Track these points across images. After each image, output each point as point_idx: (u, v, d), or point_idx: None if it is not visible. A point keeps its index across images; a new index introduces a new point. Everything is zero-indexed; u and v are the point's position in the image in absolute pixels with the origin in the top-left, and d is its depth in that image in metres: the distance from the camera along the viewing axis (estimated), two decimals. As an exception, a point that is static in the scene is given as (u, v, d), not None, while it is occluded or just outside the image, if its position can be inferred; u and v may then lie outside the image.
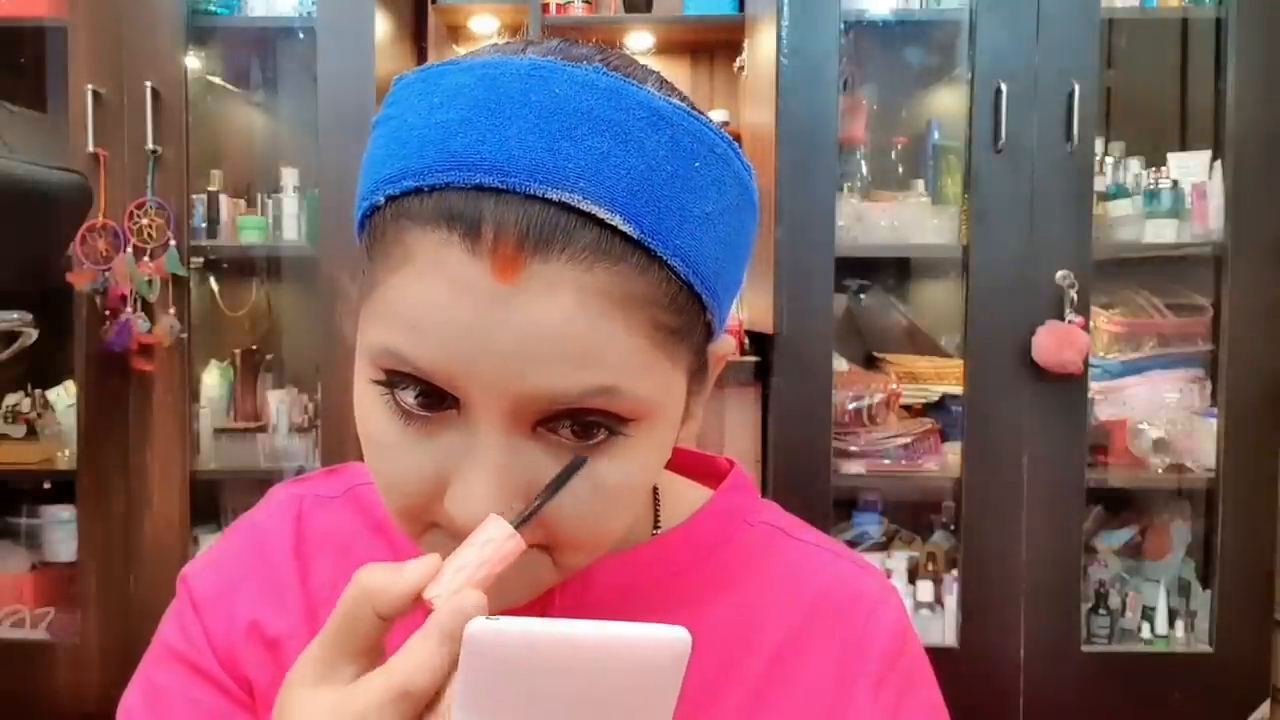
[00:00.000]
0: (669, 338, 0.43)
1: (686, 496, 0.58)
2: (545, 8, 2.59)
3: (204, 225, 2.23)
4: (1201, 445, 2.08)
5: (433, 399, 0.42)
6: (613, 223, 0.40)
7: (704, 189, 0.42)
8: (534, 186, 0.39)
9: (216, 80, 2.41)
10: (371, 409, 0.44)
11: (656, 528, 0.56)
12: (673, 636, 0.36)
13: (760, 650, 0.54)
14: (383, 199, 0.43)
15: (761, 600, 0.55)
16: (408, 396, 0.42)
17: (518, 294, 0.39)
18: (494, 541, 0.40)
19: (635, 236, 0.40)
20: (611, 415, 0.42)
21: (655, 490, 0.57)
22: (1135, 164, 2.17)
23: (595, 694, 0.36)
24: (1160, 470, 2.10)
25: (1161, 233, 2.08)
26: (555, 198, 0.39)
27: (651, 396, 0.43)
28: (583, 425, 0.42)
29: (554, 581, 0.47)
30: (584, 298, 0.39)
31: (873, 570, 0.58)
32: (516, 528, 0.40)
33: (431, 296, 0.40)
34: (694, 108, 0.45)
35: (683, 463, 0.61)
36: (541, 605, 0.51)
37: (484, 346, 0.40)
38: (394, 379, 0.42)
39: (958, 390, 2.10)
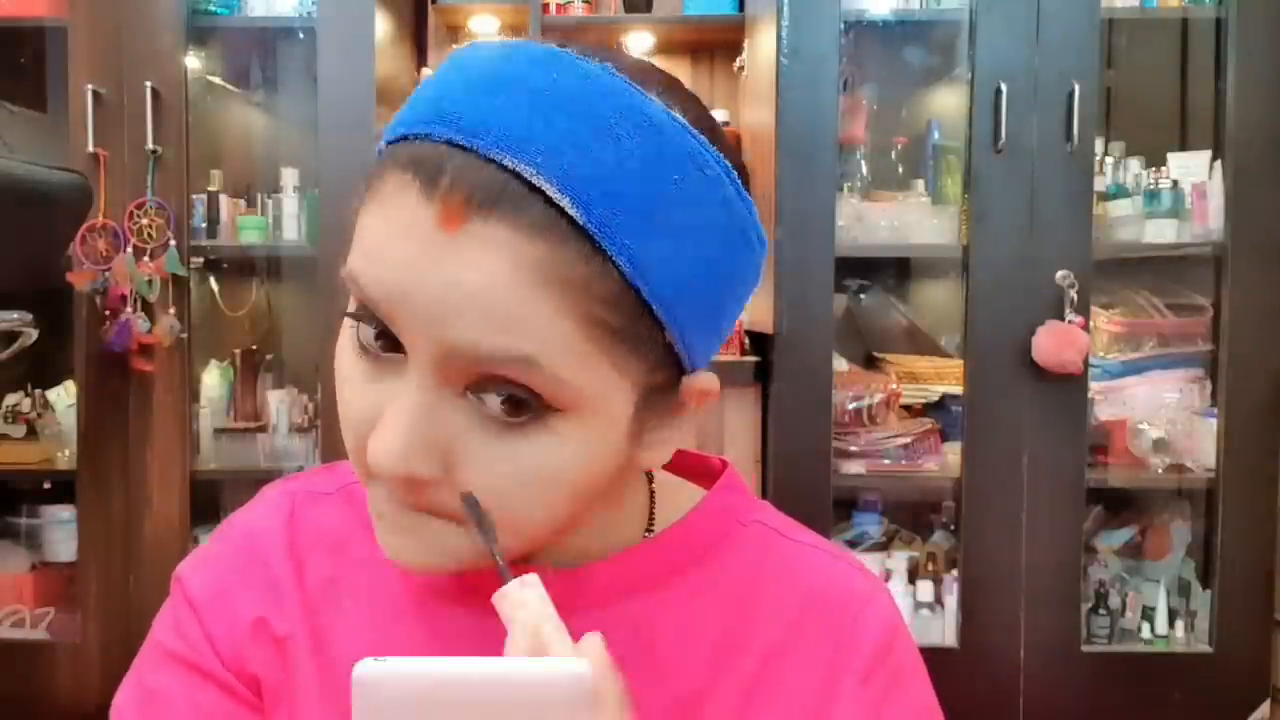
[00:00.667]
0: (608, 336, 0.43)
1: (680, 496, 0.58)
2: (545, 8, 2.59)
3: (204, 225, 2.23)
4: (1201, 445, 2.08)
5: (389, 342, 0.44)
6: (560, 203, 0.41)
7: (677, 202, 0.43)
8: (496, 152, 0.41)
9: (216, 80, 2.41)
10: (343, 343, 0.47)
11: (650, 529, 0.56)
12: (571, 670, 0.35)
13: (753, 649, 0.54)
14: (384, 144, 0.46)
15: (754, 599, 0.55)
16: (369, 333, 0.45)
17: (456, 245, 0.41)
18: (535, 591, 0.41)
19: (581, 222, 0.41)
20: (534, 393, 0.42)
21: (651, 492, 0.57)
22: (1135, 164, 2.17)
23: None
24: (1160, 470, 2.10)
25: (1161, 233, 2.08)
26: (511, 165, 0.41)
27: (578, 385, 0.43)
28: (512, 401, 0.43)
29: (469, 555, 0.47)
30: (518, 266, 0.41)
31: (864, 570, 0.58)
32: (504, 573, 0.42)
33: (385, 229, 0.43)
34: (703, 127, 0.45)
35: (677, 463, 0.62)
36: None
37: (416, 286, 0.41)
38: (360, 314, 0.45)
39: (958, 390, 2.10)
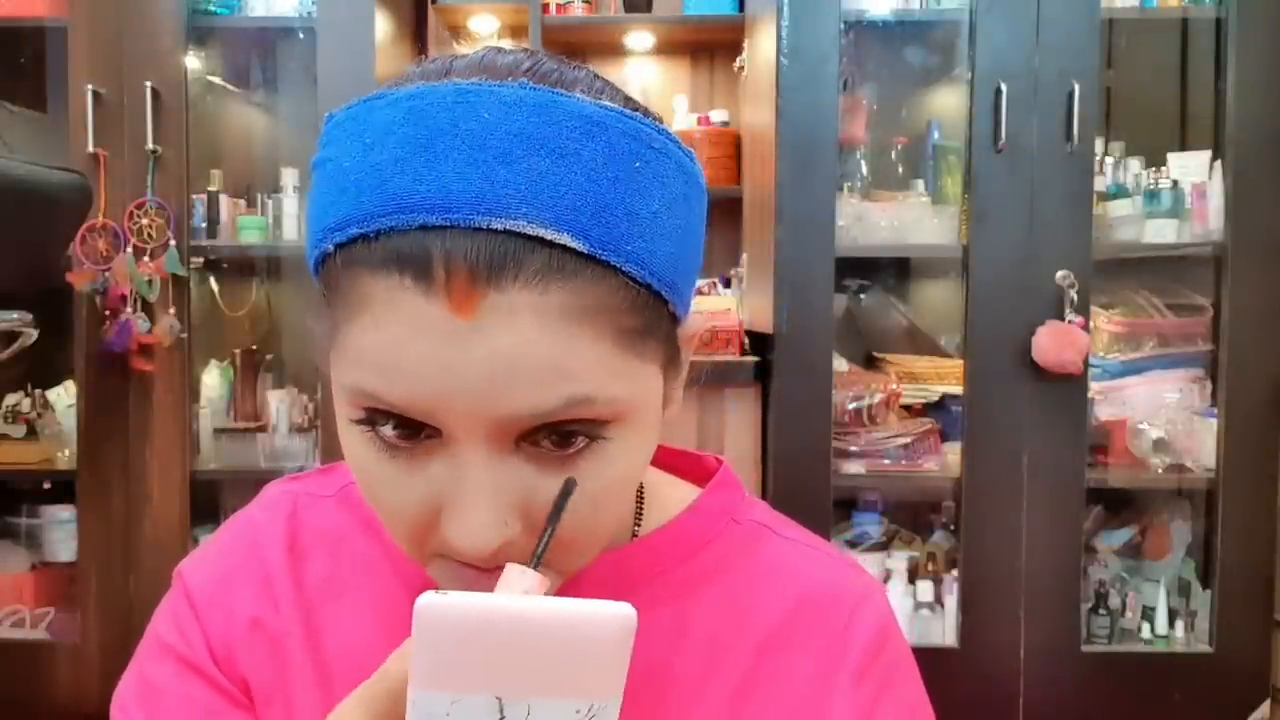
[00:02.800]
0: (635, 338, 0.43)
1: (674, 495, 0.58)
2: (545, 8, 2.59)
3: (204, 225, 2.23)
4: (1201, 445, 2.08)
5: (412, 430, 0.42)
6: (561, 241, 0.40)
7: (648, 188, 0.43)
8: (477, 219, 0.39)
9: (216, 80, 2.41)
10: (356, 446, 0.44)
11: (637, 527, 0.56)
12: (619, 612, 0.37)
13: (746, 645, 0.54)
14: (331, 247, 0.43)
15: (748, 596, 0.55)
16: (388, 430, 0.43)
17: (478, 327, 0.39)
18: (530, 594, 0.40)
19: (585, 251, 0.40)
20: (589, 421, 0.42)
21: (640, 489, 0.57)
22: (1135, 164, 2.17)
23: (546, 667, 0.37)
24: (1160, 470, 2.10)
25: (1161, 233, 2.08)
26: (500, 226, 0.39)
27: (627, 397, 0.43)
28: (561, 435, 0.42)
29: (554, 588, 0.47)
30: (544, 319, 0.40)
31: (858, 568, 0.59)
32: (535, 568, 0.41)
33: (394, 342, 0.40)
34: (628, 103, 0.45)
35: (671, 462, 0.62)
36: None
37: (454, 381, 0.40)
38: (373, 416, 0.43)
39: (958, 390, 2.10)
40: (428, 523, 0.44)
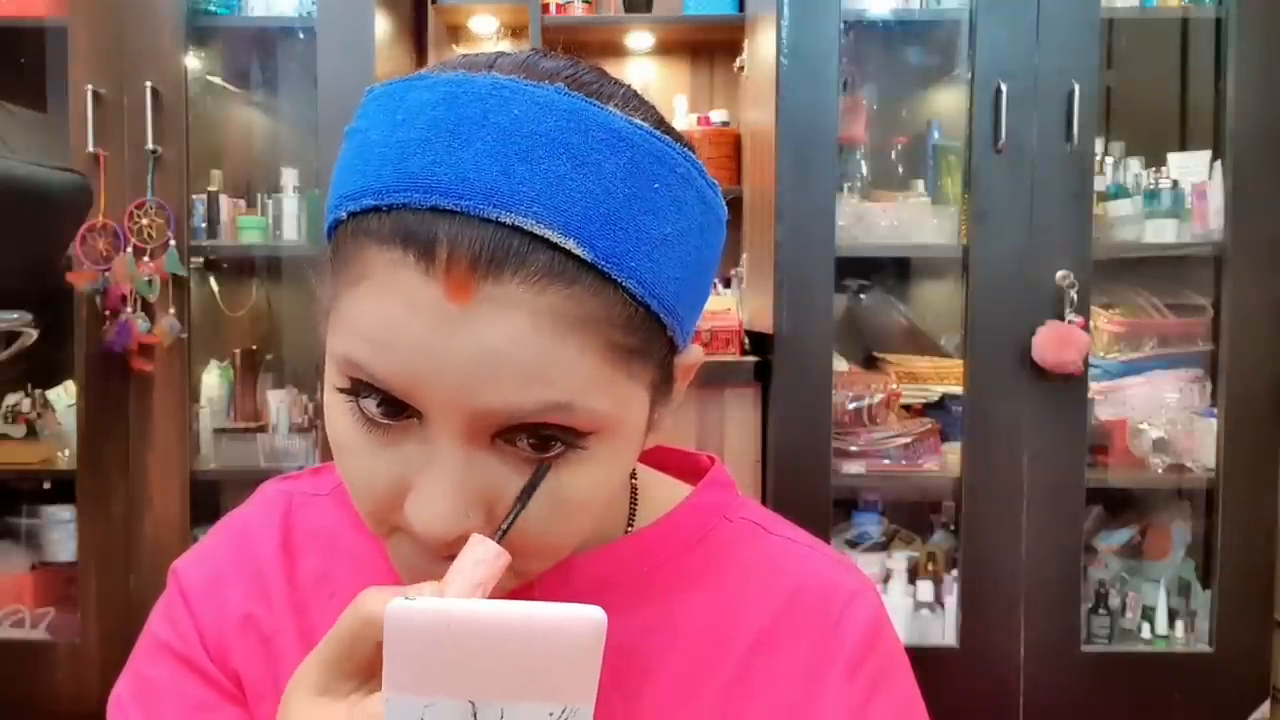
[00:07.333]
0: (626, 356, 0.43)
1: (666, 493, 0.59)
2: (545, 8, 2.59)
3: (204, 225, 2.23)
4: (1201, 445, 2.08)
5: (394, 408, 0.43)
6: (566, 246, 0.40)
7: (663, 211, 0.43)
8: (488, 209, 0.40)
9: (216, 80, 2.41)
10: (338, 414, 0.45)
11: (630, 525, 0.57)
12: (588, 615, 0.37)
13: (738, 642, 0.54)
14: (345, 214, 0.43)
15: (739, 593, 0.56)
16: (371, 405, 0.43)
17: (470, 315, 0.40)
18: (485, 562, 0.41)
19: (589, 259, 0.40)
20: (568, 429, 0.42)
21: (633, 486, 0.58)
22: (1135, 164, 2.17)
23: (518, 671, 0.37)
24: (1160, 470, 2.10)
25: (1161, 233, 2.08)
26: (509, 221, 0.40)
27: (608, 411, 0.43)
28: (540, 438, 0.43)
29: (511, 587, 0.47)
30: (536, 320, 0.40)
31: (849, 564, 0.59)
32: (498, 542, 0.42)
33: (387, 314, 0.41)
34: (660, 124, 0.45)
35: (665, 460, 0.62)
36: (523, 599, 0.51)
37: (438, 365, 0.40)
38: (358, 387, 0.43)
39: (958, 390, 2.10)
40: (393, 501, 0.44)
